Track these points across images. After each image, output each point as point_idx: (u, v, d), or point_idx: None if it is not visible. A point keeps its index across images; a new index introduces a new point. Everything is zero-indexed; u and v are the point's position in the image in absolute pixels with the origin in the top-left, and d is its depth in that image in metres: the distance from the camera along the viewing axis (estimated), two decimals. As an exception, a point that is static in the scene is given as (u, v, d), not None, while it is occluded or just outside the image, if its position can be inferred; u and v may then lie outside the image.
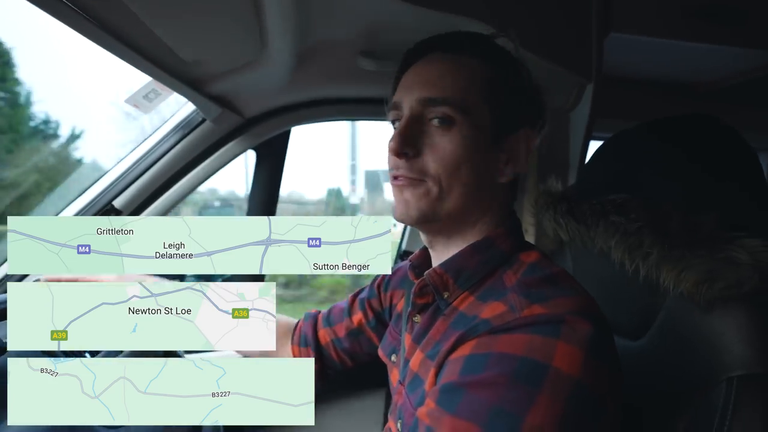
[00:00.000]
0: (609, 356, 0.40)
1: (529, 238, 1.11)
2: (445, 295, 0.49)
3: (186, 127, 0.97)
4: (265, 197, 1.12)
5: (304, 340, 0.77)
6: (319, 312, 0.80)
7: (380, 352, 0.67)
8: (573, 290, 0.43)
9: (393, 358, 0.62)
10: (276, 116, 1.02)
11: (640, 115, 0.73)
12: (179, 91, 0.83)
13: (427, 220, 0.48)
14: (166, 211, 1.00)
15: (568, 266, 0.75)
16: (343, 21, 0.82)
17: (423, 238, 0.54)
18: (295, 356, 0.77)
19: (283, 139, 1.09)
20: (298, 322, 0.81)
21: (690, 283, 0.48)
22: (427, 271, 0.51)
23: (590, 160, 0.73)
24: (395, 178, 0.49)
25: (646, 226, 0.51)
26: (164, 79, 0.76)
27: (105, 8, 0.56)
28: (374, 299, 0.74)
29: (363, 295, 0.76)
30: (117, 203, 0.95)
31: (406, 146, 0.47)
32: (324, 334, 0.77)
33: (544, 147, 1.12)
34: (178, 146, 0.96)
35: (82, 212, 0.95)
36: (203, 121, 0.97)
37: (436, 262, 0.53)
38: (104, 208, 0.95)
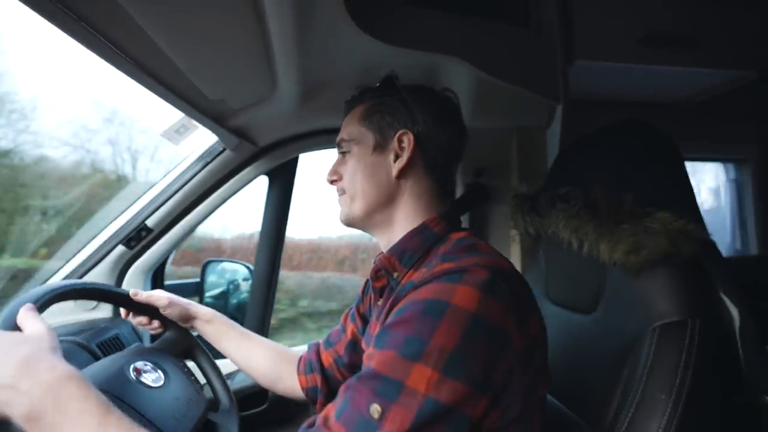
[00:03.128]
0: (509, 298, 0.48)
1: (515, 246, 1.21)
2: (395, 275, 0.61)
3: (208, 156, 1.12)
4: (276, 218, 1.26)
5: (310, 367, 0.83)
6: (320, 341, 0.87)
7: (363, 346, 0.76)
8: (486, 254, 0.54)
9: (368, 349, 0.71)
10: (286, 145, 1.18)
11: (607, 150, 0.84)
12: (205, 125, 0.99)
13: (351, 221, 0.66)
14: (192, 229, 1.14)
15: (541, 260, 0.86)
16: (341, 62, 0.98)
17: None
18: (302, 386, 0.83)
19: (292, 165, 1.25)
20: (302, 355, 0.87)
21: (621, 252, 0.58)
22: (377, 257, 0.63)
23: (552, 166, 0.85)
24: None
25: (582, 209, 0.62)
26: (194, 115, 0.92)
27: (149, 58, 0.73)
28: (360, 304, 0.82)
29: (353, 306, 0.84)
30: (149, 222, 1.10)
31: (330, 176, 0.69)
32: (327, 357, 0.83)
33: (524, 163, 1.25)
34: (202, 173, 1.12)
35: (119, 231, 1.10)
36: (223, 150, 1.12)
37: (385, 251, 0.66)
38: (138, 227, 1.10)
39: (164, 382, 0.68)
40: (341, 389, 0.48)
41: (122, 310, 0.82)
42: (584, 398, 0.65)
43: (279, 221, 1.25)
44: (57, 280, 0.92)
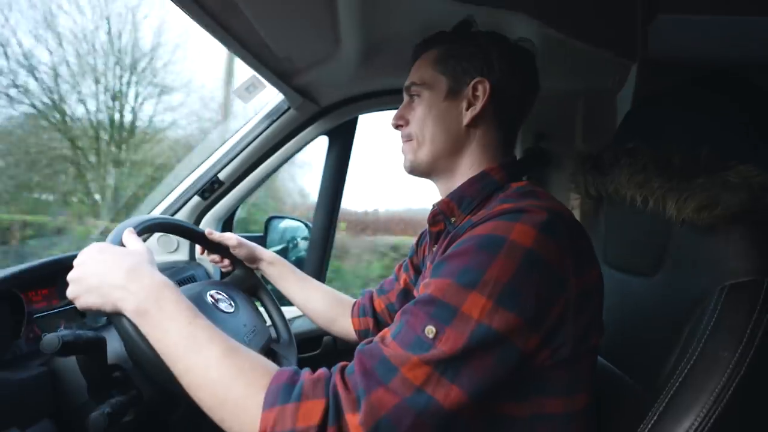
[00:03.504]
0: (566, 240, 0.48)
1: (575, 212, 1.17)
2: (453, 220, 0.62)
3: (274, 115, 1.19)
4: (334, 177, 1.32)
5: (363, 310, 0.88)
6: (373, 289, 0.92)
7: (415, 293, 0.79)
8: (546, 199, 0.53)
9: None
10: (346, 105, 1.21)
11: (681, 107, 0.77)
12: (272, 82, 1.04)
13: (416, 167, 0.66)
14: (259, 183, 1.22)
15: (601, 224, 0.82)
16: (403, 20, 0.98)
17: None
18: (355, 328, 0.88)
19: (351, 126, 1.28)
20: (356, 300, 0.92)
21: (691, 209, 0.55)
22: (435, 202, 0.64)
23: (620, 124, 0.80)
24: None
25: (650, 163, 0.59)
26: (263, 72, 0.98)
27: (228, 13, 0.78)
28: (414, 256, 0.85)
29: (407, 257, 0.87)
30: (221, 176, 1.20)
31: (396, 120, 0.68)
32: (379, 303, 0.88)
33: (590, 129, 1.18)
34: (268, 130, 1.19)
35: (195, 182, 1.21)
36: (287, 109, 1.18)
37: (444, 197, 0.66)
38: (211, 179, 1.20)
39: (235, 310, 0.76)
40: (397, 315, 0.50)
41: (198, 247, 0.91)
42: (638, 360, 0.63)
43: (337, 181, 1.31)
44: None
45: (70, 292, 0.55)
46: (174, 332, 0.49)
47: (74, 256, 0.76)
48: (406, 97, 0.69)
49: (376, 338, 0.49)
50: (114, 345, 0.64)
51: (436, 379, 0.43)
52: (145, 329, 0.51)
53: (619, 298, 0.72)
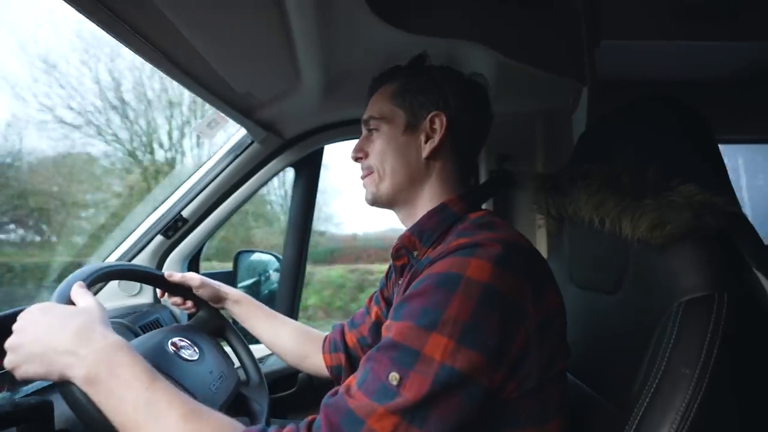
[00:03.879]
0: (522, 270, 0.49)
1: (541, 232, 1.19)
2: (415, 254, 0.62)
3: (237, 149, 1.18)
4: (303, 208, 1.30)
5: (334, 346, 0.86)
6: (344, 323, 0.90)
7: (383, 327, 0.77)
8: (501, 230, 0.54)
9: None
10: (311, 136, 1.22)
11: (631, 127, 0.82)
12: (233, 118, 1.04)
13: (377, 200, 0.67)
14: (224, 219, 1.20)
15: (565, 244, 0.84)
16: (362, 53, 1.00)
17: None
18: (326, 364, 0.86)
19: (317, 157, 1.28)
20: (326, 335, 0.90)
21: (644, 228, 0.57)
22: (399, 236, 0.65)
23: (575, 146, 0.83)
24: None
25: (603, 184, 0.61)
26: (223, 108, 0.97)
27: (185, 54, 0.77)
28: (384, 288, 0.84)
29: (377, 290, 0.86)
30: (185, 213, 1.16)
31: (355, 153, 0.69)
32: (351, 337, 0.86)
33: (549, 148, 1.22)
34: (232, 165, 1.17)
35: (158, 221, 1.17)
36: (251, 143, 1.17)
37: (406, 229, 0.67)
38: (174, 217, 1.16)
39: (199, 357, 0.72)
40: (362, 360, 0.49)
41: (158, 291, 0.87)
42: (607, 378, 0.64)
43: (305, 212, 1.30)
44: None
45: (8, 362, 0.50)
46: (130, 400, 0.46)
47: (13, 315, 0.71)
48: (364, 131, 0.69)
49: (342, 389, 0.47)
50: (63, 407, 0.59)
51: (404, 428, 0.42)
52: (97, 398, 0.47)
53: (586, 314, 0.73)
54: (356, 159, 0.69)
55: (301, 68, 0.95)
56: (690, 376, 0.47)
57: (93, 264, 0.66)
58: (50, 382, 0.71)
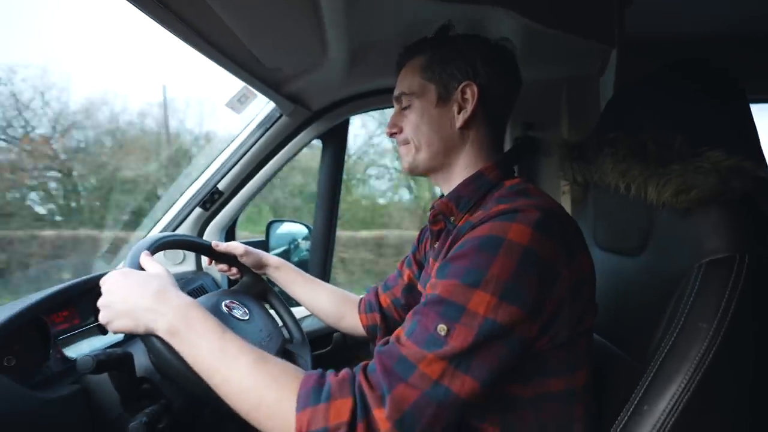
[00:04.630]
0: (558, 235, 0.53)
1: (565, 198, 1.21)
2: (452, 219, 0.66)
3: (267, 123, 1.21)
4: (331, 178, 1.35)
5: (369, 306, 0.92)
6: (378, 285, 0.96)
7: (419, 287, 0.83)
8: (537, 197, 0.57)
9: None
10: (337, 108, 1.24)
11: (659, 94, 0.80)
12: (263, 92, 1.07)
13: (414, 169, 0.70)
14: (257, 190, 1.25)
15: (589, 208, 0.87)
16: (386, 22, 1.00)
17: None
18: (363, 324, 0.92)
19: (343, 128, 1.31)
20: (361, 297, 0.97)
21: (669, 193, 0.59)
22: (435, 202, 0.68)
23: (602, 112, 0.84)
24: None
25: (629, 153, 0.63)
26: (253, 83, 1.00)
27: (217, 32, 0.80)
28: (416, 252, 0.89)
29: (409, 253, 0.91)
30: (220, 186, 1.23)
31: (390, 129, 0.71)
32: (385, 298, 0.92)
33: (575, 114, 1.21)
34: (263, 138, 1.21)
35: (196, 194, 1.24)
36: (280, 116, 1.21)
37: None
38: (211, 190, 1.23)
39: (250, 317, 0.80)
40: (409, 315, 0.54)
41: (205, 259, 0.95)
42: (628, 335, 0.68)
43: (334, 182, 1.34)
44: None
45: (102, 318, 0.59)
46: (206, 348, 0.53)
47: (91, 279, 0.80)
48: (396, 107, 0.72)
49: (392, 338, 0.53)
50: (140, 359, 0.68)
51: (451, 372, 0.48)
52: (178, 347, 0.55)
53: (610, 276, 0.76)
54: (391, 135, 0.72)
55: (328, 41, 0.96)
56: (707, 330, 0.51)
57: (153, 235, 0.73)
58: (122, 338, 0.81)
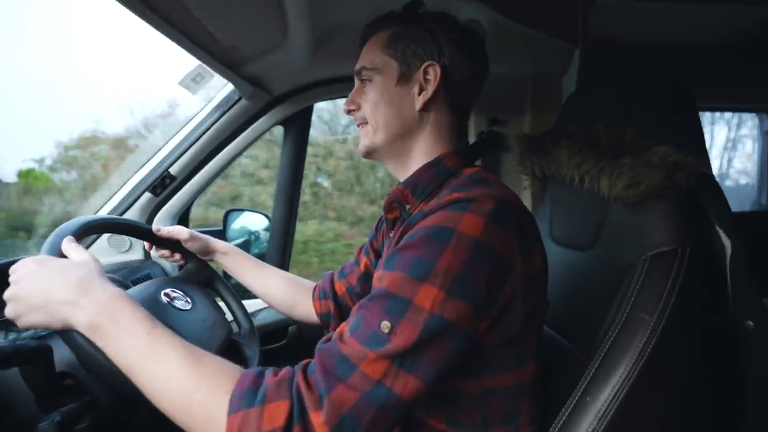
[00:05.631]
0: (513, 227, 0.51)
1: (526, 193, 1.22)
2: (407, 207, 0.64)
3: (225, 105, 1.16)
4: (292, 166, 1.30)
5: (324, 294, 0.89)
6: (334, 272, 0.93)
7: (375, 276, 0.80)
8: (495, 187, 0.55)
9: None
10: (300, 93, 1.20)
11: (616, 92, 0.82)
12: (219, 72, 1.01)
13: (371, 152, 0.67)
14: (213, 177, 1.19)
15: (546, 202, 0.87)
16: (352, 5, 0.97)
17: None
18: (316, 311, 0.89)
19: (306, 114, 1.27)
20: (316, 284, 0.93)
21: (620, 187, 0.60)
22: (391, 189, 0.66)
23: (562, 108, 0.85)
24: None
25: (585, 144, 0.63)
26: (208, 61, 0.95)
27: (168, 3, 0.74)
28: (374, 240, 0.86)
29: (367, 241, 0.88)
30: (172, 170, 1.16)
31: (348, 105, 0.68)
32: (340, 285, 0.89)
33: (539, 111, 1.23)
34: (220, 121, 1.15)
35: (145, 178, 1.16)
36: (239, 99, 1.15)
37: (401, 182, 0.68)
38: (162, 174, 1.16)
39: (192, 306, 0.75)
40: (354, 309, 0.51)
41: (146, 244, 0.89)
42: (578, 328, 0.69)
43: (295, 170, 1.30)
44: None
45: (9, 312, 0.52)
46: (132, 345, 0.48)
47: (5, 265, 0.72)
48: (357, 82, 0.68)
49: (335, 335, 0.50)
50: (62, 352, 0.62)
51: (394, 372, 0.45)
52: (100, 344, 0.49)
53: (563, 270, 0.77)
54: (348, 111, 0.68)
55: (290, 21, 0.92)
56: (648, 321, 0.52)
57: (80, 217, 0.67)
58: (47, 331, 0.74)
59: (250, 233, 1.63)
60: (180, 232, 0.86)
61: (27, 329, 0.51)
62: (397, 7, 0.70)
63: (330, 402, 0.44)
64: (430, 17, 0.66)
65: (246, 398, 0.45)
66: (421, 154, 0.65)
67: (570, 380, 0.60)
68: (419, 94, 0.63)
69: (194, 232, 0.87)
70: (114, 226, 0.76)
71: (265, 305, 1.24)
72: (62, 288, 0.51)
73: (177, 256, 0.90)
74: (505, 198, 0.53)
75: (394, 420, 0.46)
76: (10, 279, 0.53)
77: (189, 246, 0.87)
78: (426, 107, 0.63)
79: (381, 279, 0.51)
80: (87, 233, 0.66)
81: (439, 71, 0.62)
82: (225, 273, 0.94)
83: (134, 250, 1.20)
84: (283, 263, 1.35)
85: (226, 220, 1.50)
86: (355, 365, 0.45)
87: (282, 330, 1.22)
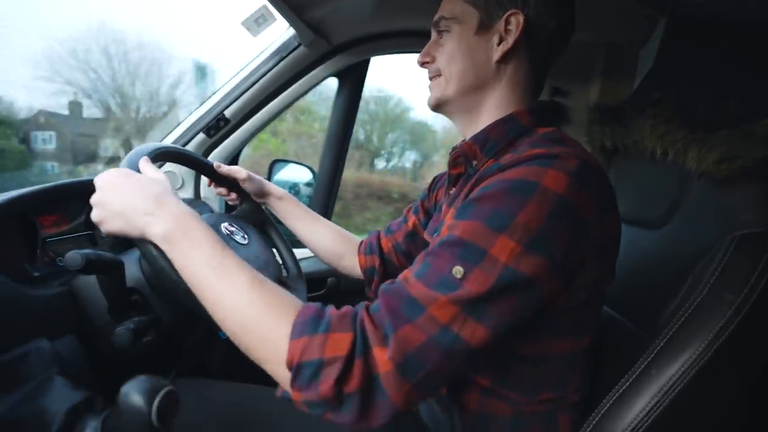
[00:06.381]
0: (595, 189, 0.49)
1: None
2: (474, 163, 0.61)
3: (283, 51, 1.14)
4: (343, 120, 1.29)
5: (370, 248, 0.89)
6: (381, 230, 0.92)
7: (425, 235, 0.79)
8: (574, 147, 0.53)
9: (435, 235, 0.74)
10: (359, 45, 1.16)
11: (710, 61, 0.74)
12: (284, 14, 0.99)
13: (441, 104, 0.65)
14: (265, 123, 1.20)
15: (611, 176, 0.83)
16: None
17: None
18: (361, 265, 0.89)
19: (362, 68, 1.24)
20: (363, 239, 0.93)
21: (711, 161, 0.55)
22: (458, 143, 0.63)
23: (642, 78, 0.79)
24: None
25: (677, 114, 0.59)
26: (276, 2, 0.93)
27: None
28: (426, 200, 0.85)
29: (418, 200, 0.87)
30: (227, 113, 1.17)
31: (422, 57, 0.66)
32: (386, 242, 0.89)
33: (609, 85, 1.16)
34: (277, 67, 1.14)
35: (199, 120, 1.18)
36: (298, 46, 1.13)
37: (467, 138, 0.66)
38: (217, 116, 1.17)
39: (248, 242, 0.77)
40: (420, 256, 0.50)
41: (205, 182, 0.90)
42: (640, 307, 0.66)
43: (346, 124, 1.28)
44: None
45: (94, 216, 0.55)
46: (203, 260, 0.50)
47: (85, 182, 0.75)
48: (433, 34, 0.66)
49: (399, 278, 0.49)
50: (131, 270, 0.65)
51: (462, 318, 0.45)
52: (172, 255, 0.51)
53: (626, 249, 0.73)
54: (422, 64, 0.66)
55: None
56: (731, 302, 0.49)
57: (154, 143, 0.69)
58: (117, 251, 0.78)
59: (292, 186, 1.65)
60: (238, 171, 0.87)
61: (108, 234, 0.54)
62: None
63: (396, 339, 0.44)
64: None
65: (310, 325, 0.45)
66: (493, 108, 0.62)
67: (624, 357, 0.58)
68: (498, 44, 0.60)
69: (251, 173, 0.88)
70: (181, 156, 0.78)
71: (307, 254, 1.26)
72: (142, 199, 0.53)
73: (233, 195, 0.91)
74: (587, 158, 0.51)
75: (461, 365, 0.46)
76: (96, 185, 0.55)
77: (246, 186, 0.89)
78: (504, 59, 0.60)
79: (453, 228, 0.50)
80: (158, 158, 0.67)
81: (522, 21, 0.58)
82: (275, 218, 0.96)
83: (185, 189, 1.23)
84: (327, 213, 1.36)
85: (271, 170, 1.51)
86: (424, 307, 0.45)
87: (321, 280, 1.25)
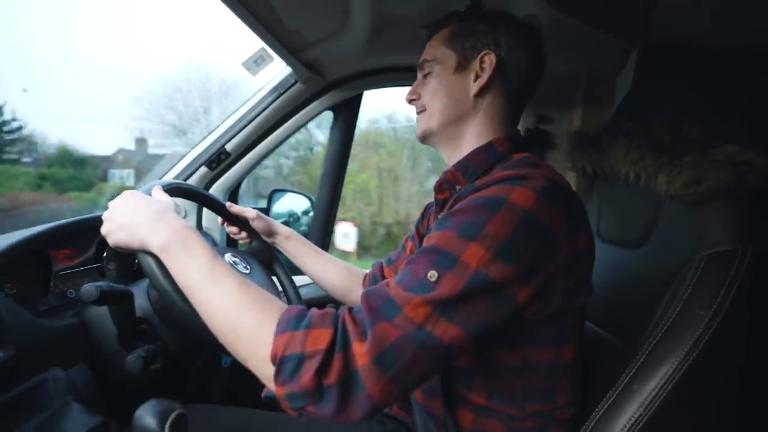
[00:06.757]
0: (563, 206, 0.53)
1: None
2: (457, 188, 0.67)
3: (281, 88, 1.21)
4: (339, 152, 1.35)
5: (374, 279, 0.93)
6: (382, 261, 0.96)
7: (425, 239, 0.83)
8: (546, 169, 0.58)
9: None
10: (353, 80, 1.23)
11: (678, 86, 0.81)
12: (281, 55, 1.06)
13: (426, 135, 0.71)
14: (264, 156, 1.25)
15: (594, 200, 0.88)
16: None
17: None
18: None
19: (356, 102, 1.31)
20: (367, 272, 0.97)
21: (679, 185, 0.60)
22: (443, 171, 0.69)
23: (617, 106, 0.84)
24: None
25: (644, 140, 0.64)
26: (273, 45, 1.00)
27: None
28: (420, 226, 0.90)
29: (413, 228, 0.91)
30: (228, 147, 1.22)
31: (410, 95, 0.73)
32: (388, 272, 0.93)
33: (589, 112, 1.22)
34: (275, 103, 1.21)
35: (202, 154, 1.23)
36: (294, 83, 1.20)
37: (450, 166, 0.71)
38: (218, 151, 1.23)
39: (250, 272, 0.80)
40: (402, 264, 0.55)
41: (218, 219, 0.95)
42: (623, 323, 0.69)
43: (341, 155, 1.34)
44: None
45: (103, 229, 0.61)
46: (195, 266, 0.54)
47: (96, 218, 0.80)
48: (419, 75, 0.73)
49: (381, 283, 0.53)
50: (140, 300, 0.68)
51: (435, 318, 0.48)
52: (168, 263, 0.56)
53: (609, 268, 0.78)
54: (410, 101, 0.73)
55: (352, 8, 0.96)
56: (703, 317, 0.52)
57: (172, 180, 0.73)
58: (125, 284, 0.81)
59: (290, 215, 1.69)
60: (249, 211, 0.92)
61: (114, 246, 0.58)
62: (458, 6, 0.74)
63: (373, 334, 0.47)
64: (489, 13, 0.70)
65: (293, 322, 0.49)
66: (473, 138, 0.68)
67: (611, 372, 0.61)
68: (475, 80, 0.67)
69: (260, 213, 0.93)
70: (195, 194, 0.82)
71: (308, 282, 1.29)
72: (144, 215, 0.58)
73: (243, 233, 0.95)
74: (556, 178, 0.56)
75: (436, 364, 0.49)
76: (109, 204, 0.62)
77: (255, 225, 0.93)
78: (481, 93, 0.67)
79: (431, 238, 0.54)
80: (173, 193, 0.72)
81: (494, 59, 0.66)
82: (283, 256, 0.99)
83: (188, 220, 1.27)
84: (324, 245, 1.39)
85: (270, 199, 1.56)
86: (400, 307, 0.48)
87: (320, 306, 1.27)
